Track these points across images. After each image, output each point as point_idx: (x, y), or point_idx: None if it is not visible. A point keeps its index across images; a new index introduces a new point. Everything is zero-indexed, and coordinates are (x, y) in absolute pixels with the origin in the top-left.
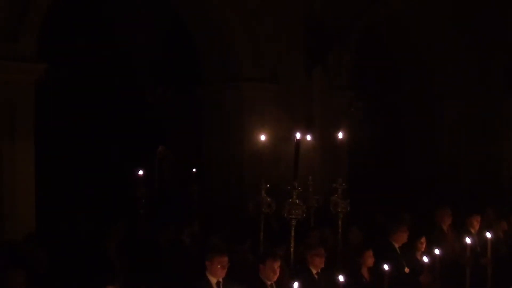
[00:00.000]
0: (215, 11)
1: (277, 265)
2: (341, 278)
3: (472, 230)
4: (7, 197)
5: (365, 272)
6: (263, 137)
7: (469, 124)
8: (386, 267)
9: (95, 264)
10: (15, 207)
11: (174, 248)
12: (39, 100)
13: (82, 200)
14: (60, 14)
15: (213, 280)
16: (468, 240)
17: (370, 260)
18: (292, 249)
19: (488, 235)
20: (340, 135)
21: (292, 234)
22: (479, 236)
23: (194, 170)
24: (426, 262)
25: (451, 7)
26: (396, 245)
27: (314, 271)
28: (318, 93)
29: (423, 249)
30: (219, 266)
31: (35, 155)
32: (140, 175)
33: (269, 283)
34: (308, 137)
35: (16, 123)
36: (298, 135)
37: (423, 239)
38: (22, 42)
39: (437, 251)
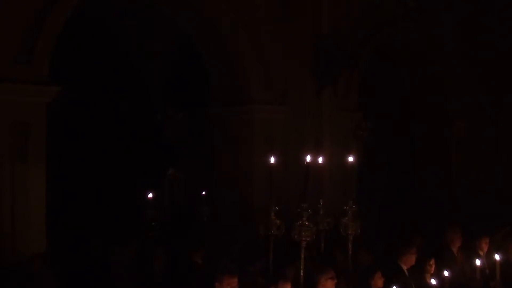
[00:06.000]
0: (226, 34)
1: (288, 287)
2: None
3: (481, 252)
4: (18, 218)
5: None
6: (272, 159)
7: (480, 145)
8: None
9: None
10: (26, 228)
11: (185, 269)
12: (51, 122)
13: (92, 222)
14: (72, 37)
15: None
16: (477, 262)
17: (379, 282)
18: (302, 271)
19: (497, 257)
20: (351, 158)
21: (302, 256)
22: (488, 258)
23: (203, 192)
24: (435, 284)
25: (462, 29)
26: (405, 267)
27: None
28: (327, 115)
29: (432, 271)
30: None
31: (47, 176)
32: (150, 198)
33: None
34: (320, 160)
35: (28, 145)
36: (308, 158)
37: (432, 261)
38: (35, 64)
39: (446, 273)
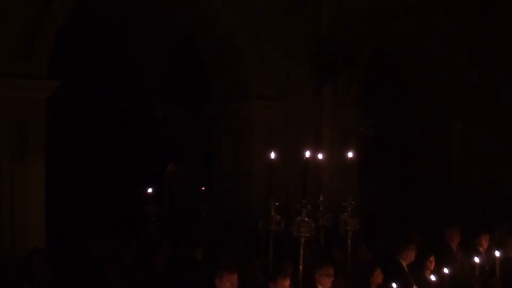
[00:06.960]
0: (226, 34)
1: (287, 283)
2: None
3: (481, 249)
4: (18, 214)
5: None
6: (272, 155)
7: (480, 145)
8: (394, 285)
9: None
10: (26, 225)
11: (185, 266)
12: (51, 119)
13: (92, 219)
14: (73, 35)
15: None
16: (476, 259)
17: (379, 279)
18: (300, 267)
19: (497, 253)
20: (350, 154)
21: (301, 252)
22: (488, 255)
23: (203, 188)
24: (434, 280)
25: (461, 27)
26: (404, 263)
27: None
28: (327, 111)
29: (432, 268)
30: (228, 284)
31: (46, 173)
32: (149, 193)
33: None
34: (320, 156)
35: (28, 141)
36: (307, 154)
37: (432, 258)
38: (35, 60)
39: (446, 270)
